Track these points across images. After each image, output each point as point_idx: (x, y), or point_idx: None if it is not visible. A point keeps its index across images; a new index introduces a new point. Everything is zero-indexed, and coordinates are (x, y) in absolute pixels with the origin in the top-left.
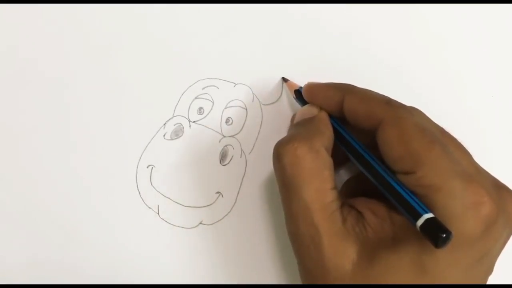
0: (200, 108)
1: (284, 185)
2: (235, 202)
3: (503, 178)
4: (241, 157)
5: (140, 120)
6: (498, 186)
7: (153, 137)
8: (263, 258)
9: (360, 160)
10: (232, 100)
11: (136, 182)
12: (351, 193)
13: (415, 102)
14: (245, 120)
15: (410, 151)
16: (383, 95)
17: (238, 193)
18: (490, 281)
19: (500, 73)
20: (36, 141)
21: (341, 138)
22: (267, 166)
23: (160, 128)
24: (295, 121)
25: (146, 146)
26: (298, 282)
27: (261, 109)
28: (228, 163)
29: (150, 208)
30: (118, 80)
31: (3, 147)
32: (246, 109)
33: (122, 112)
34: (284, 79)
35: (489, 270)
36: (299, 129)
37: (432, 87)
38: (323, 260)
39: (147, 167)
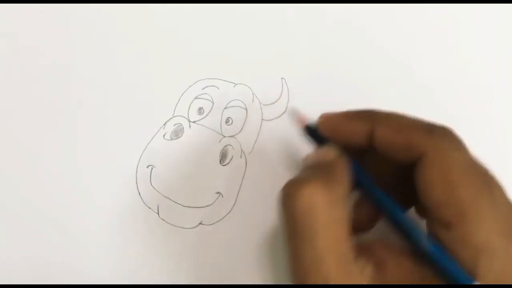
0: (200, 108)
1: (294, 233)
2: (235, 202)
3: (503, 178)
4: (241, 157)
5: (140, 120)
6: None
7: (153, 137)
8: (263, 258)
9: (395, 222)
10: (232, 100)
11: (136, 182)
12: (361, 218)
13: (415, 102)
14: (245, 120)
15: (456, 199)
16: (422, 121)
17: (238, 193)
18: None
19: (500, 73)
20: (36, 141)
21: (366, 189)
22: (267, 166)
23: (160, 128)
24: (309, 164)
25: (146, 146)
26: None
27: (261, 109)
28: (228, 163)
29: (150, 208)
30: (118, 80)
31: (3, 147)
32: (246, 109)
33: (122, 112)
34: (294, 112)
35: None
36: (315, 172)
37: (432, 87)
38: None
39: (147, 167)
